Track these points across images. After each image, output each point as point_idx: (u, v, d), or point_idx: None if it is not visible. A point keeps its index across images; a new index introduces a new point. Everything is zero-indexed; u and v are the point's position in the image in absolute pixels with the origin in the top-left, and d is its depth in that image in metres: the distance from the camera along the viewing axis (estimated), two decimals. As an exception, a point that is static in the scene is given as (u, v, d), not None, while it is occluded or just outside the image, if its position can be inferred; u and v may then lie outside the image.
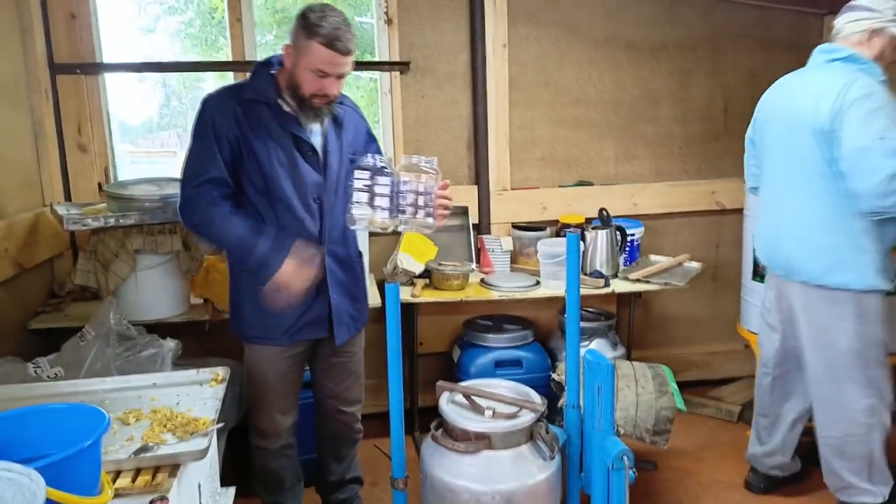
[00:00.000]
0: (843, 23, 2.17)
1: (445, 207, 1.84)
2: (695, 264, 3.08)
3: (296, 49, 1.80)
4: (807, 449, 2.49)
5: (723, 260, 3.51)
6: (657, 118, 3.38)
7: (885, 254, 2.09)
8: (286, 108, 1.87)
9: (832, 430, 2.24)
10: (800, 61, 2.31)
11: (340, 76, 1.83)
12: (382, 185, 1.78)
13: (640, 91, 3.33)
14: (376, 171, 1.78)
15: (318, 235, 1.96)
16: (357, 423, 2.27)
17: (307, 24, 1.75)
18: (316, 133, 1.93)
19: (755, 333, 2.69)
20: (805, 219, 2.16)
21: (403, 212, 1.79)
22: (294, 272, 1.84)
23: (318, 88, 1.81)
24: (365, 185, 1.77)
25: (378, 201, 1.78)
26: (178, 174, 2.65)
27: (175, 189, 2.45)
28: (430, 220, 1.81)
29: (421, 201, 1.80)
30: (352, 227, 1.82)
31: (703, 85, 3.38)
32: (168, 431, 1.46)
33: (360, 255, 2.17)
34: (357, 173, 1.79)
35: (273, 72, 1.90)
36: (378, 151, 2.11)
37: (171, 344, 2.03)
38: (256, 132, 1.85)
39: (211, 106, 1.86)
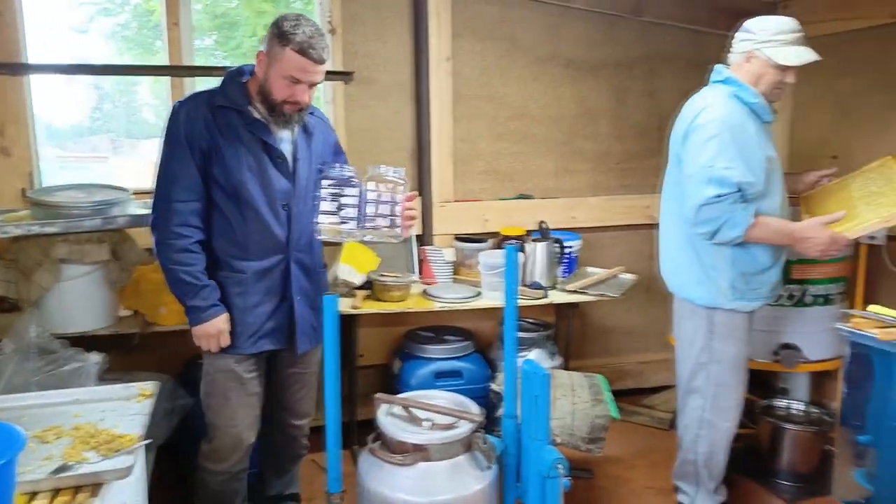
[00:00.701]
0: (733, 44, 2.20)
1: (412, 218, 1.88)
2: (629, 276, 3.18)
3: (269, 56, 1.82)
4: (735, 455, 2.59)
5: (655, 272, 3.59)
6: (596, 134, 3.48)
7: (738, 274, 2.12)
8: (256, 115, 1.89)
9: (681, 432, 2.37)
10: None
11: (312, 84, 1.86)
12: (349, 196, 1.80)
13: (579, 108, 3.42)
14: (343, 182, 1.80)
15: (285, 242, 1.96)
16: (305, 437, 2.25)
17: (281, 33, 1.78)
18: (286, 140, 1.95)
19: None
20: (669, 235, 2.30)
21: (370, 222, 1.80)
22: (203, 335, 1.90)
23: (289, 95, 1.83)
24: (332, 195, 1.79)
25: (345, 212, 1.81)
26: (109, 180, 2.58)
27: (105, 196, 2.38)
28: (397, 230, 1.83)
29: (387, 211, 1.81)
30: (319, 237, 1.84)
31: (640, 103, 3.51)
32: (91, 449, 1.40)
33: (323, 266, 2.16)
34: (324, 183, 1.80)
35: (244, 80, 1.92)
36: (345, 163, 2.10)
37: (96, 358, 1.96)
38: (227, 138, 1.87)
39: (182, 113, 1.87)
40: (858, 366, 1.87)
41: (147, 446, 2.06)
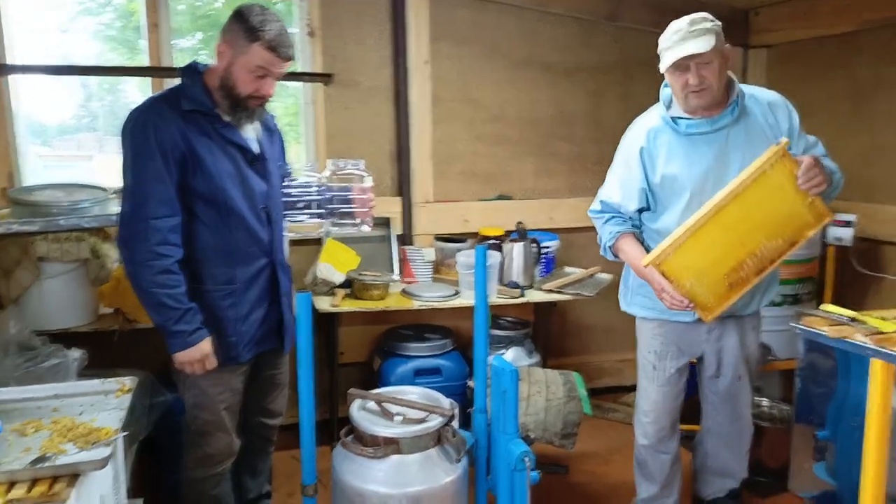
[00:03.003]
0: None
1: (372, 207, 1.89)
2: (606, 276, 3.24)
3: (233, 49, 1.76)
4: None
5: (633, 272, 3.70)
6: (572, 136, 3.54)
7: (639, 283, 2.16)
8: (225, 118, 1.83)
9: None
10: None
11: (278, 78, 1.82)
12: (311, 190, 1.81)
13: (555, 111, 3.49)
14: (306, 178, 1.82)
15: (268, 245, 1.94)
16: (274, 435, 2.26)
17: (249, 27, 1.73)
18: (252, 141, 1.90)
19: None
20: None
21: (336, 216, 1.83)
22: (188, 360, 1.82)
23: (255, 89, 1.78)
24: (296, 193, 1.80)
25: (308, 207, 1.81)
26: (92, 179, 2.60)
27: (85, 195, 2.40)
28: (357, 220, 1.87)
29: (353, 205, 1.84)
30: (287, 235, 1.84)
31: (615, 107, 3.58)
32: (69, 441, 1.44)
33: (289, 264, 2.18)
34: (287, 181, 1.81)
35: (200, 72, 1.85)
36: (286, 161, 2.14)
37: (76, 354, 1.98)
38: (202, 144, 1.79)
39: (149, 122, 1.74)
40: (813, 363, 1.93)
41: (127, 442, 2.10)
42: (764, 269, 1.89)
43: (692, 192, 2.00)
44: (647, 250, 2.08)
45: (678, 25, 1.90)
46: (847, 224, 2.96)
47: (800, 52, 3.47)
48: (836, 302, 2.19)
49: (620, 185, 2.13)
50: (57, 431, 1.47)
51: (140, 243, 1.73)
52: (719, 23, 1.93)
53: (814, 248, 3.01)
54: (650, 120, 2.10)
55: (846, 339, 1.63)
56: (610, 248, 2.18)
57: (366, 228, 1.97)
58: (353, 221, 1.90)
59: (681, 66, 1.89)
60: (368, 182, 1.91)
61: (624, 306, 2.30)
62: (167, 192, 1.75)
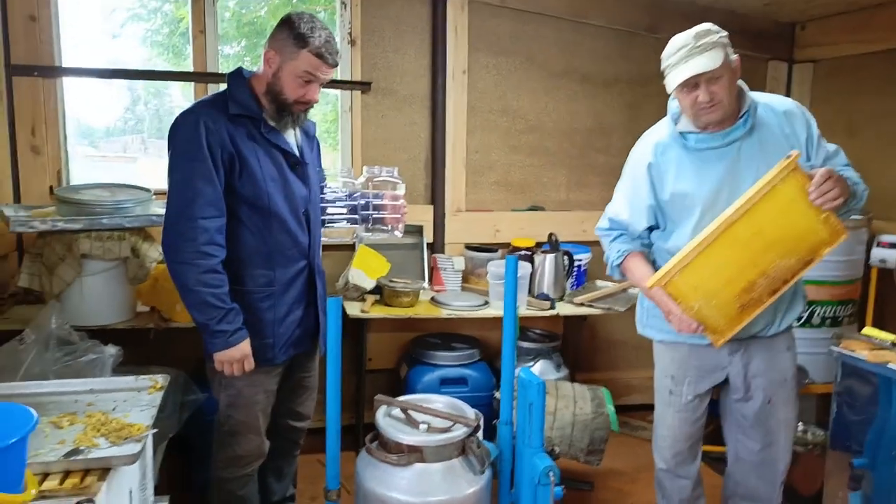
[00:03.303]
0: None
1: (405, 213, 1.90)
2: (637, 291, 3.19)
3: (282, 55, 1.80)
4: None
5: (667, 288, 3.64)
6: (608, 148, 3.51)
7: (648, 306, 2.12)
8: (271, 122, 1.87)
9: None
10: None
11: (324, 84, 1.86)
12: (349, 196, 1.83)
13: (593, 122, 3.47)
14: (343, 184, 1.84)
15: (307, 248, 1.97)
16: (301, 438, 2.27)
17: (298, 34, 1.77)
18: (294, 145, 1.95)
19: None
20: None
21: (373, 222, 1.86)
22: (228, 360, 1.85)
23: (301, 94, 1.83)
24: (331, 198, 1.83)
25: (347, 213, 1.84)
26: (134, 180, 2.69)
27: (128, 195, 2.48)
28: (388, 227, 1.88)
29: (385, 211, 1.86)
30: (324, 240, 1.86)
31: (654, 119, 3.44)
32: (101, 436, 1.47)
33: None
34: (322, 186, 1.84)
35: (246, 77, 1.89)
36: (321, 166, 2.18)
37: (112, 350, 2.02)
38: (248, 148, 1.83)
39: (200, 123, 1.78)
40: (851, 388, 1.87)
41: (158, 438, 2.15)
42: (777, 290, 1.79)
43: (703, 208, 1.92)
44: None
45: (683, 41, 1.79)
46: (892, 246, 2.86)
47: (848, 67, 3.39)
48: (878, 325, 2.11)
49: (628, 203, 2.06)
50: (91, 425, 1.51)
51: (187, 242, 1.76)
52: (725, 33, 1.83)
53: (856, 270, 2.92)
54: (658, 134, 2.01)
55: (886, 365, 1.58)
56: (617, 266, 2.11)
57: (398, 235, 1.99)
58: (385, 227, 1.92)
59: (689, 83, 1.79)
60: (401, 189, 1.93)
61: (640, 329, 2.22)
62: (215, 193, 1.78)
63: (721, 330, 1.85)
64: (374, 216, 1.96)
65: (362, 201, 1.97)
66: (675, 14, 3.33)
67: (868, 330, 1.68)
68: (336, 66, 1.85)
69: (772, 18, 3.42)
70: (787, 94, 3.51)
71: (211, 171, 1.77)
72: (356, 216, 2.00)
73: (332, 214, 2.00)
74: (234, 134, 1.81)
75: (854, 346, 1.62)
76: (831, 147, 1.96)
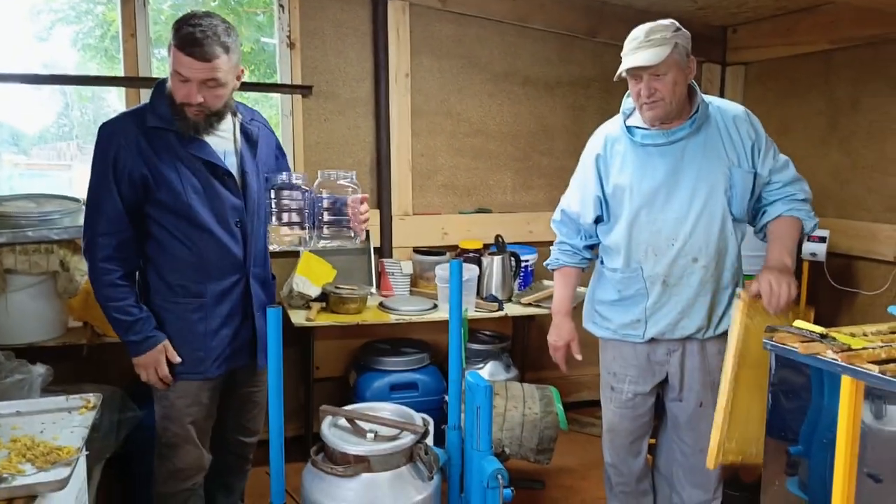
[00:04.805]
0: None
1: (365, 220, 1.84)
2: (583, 290, 3.23)
3: (170, 57, 1.74)
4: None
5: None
6: (552, 150, 3.56)
7: (595, 297, 2.18)
8: (191, 132, 1.80)
9: None
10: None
11: (206, 82, 1.72)
12: (299, 201, 1.78)
13: (536, 125, 3.50)
14: (293, 189, 1.77)
15: (242, 260, 1.92)
16: (251, 453, 2.23)
17: (174, 33, 1.70)
18: (230, 154, 1.88)
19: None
20: None
21: (326, 228, 1.81)
22: (142, 366, 1.87)
23: (183, 96, 1.73)
24: (283, 204, 1.77)
25: (297, 218, 1.78)
26: (68, 188, 2.57)
27: (56, 206, 2.37)
28: (351, 233, 1.83)
29: (341, 215, 1.81)
30: (273, 247, 1.80)
31: (596, 121, 3.49)
32: (27, 461, 1.40)
33: (273, 277, 2.14)
34: (273, 193, 1.77)
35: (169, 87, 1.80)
36: (287, 167, 2.13)
37: (40, 370, 1.94)
38: (165, 161, 1.78)
39: (111, 138, 1.77)
40: (785, 379, 1.93)
41: (93, 459, 2.06)
42: None
43: (640, 204, 1.94)
44: (604, 265, 2.10)
45: (636, 33, 1.84)
46: (822, 240, 2.99)
47: (778, 69, 3.53)
48: (809, 318, 2.20)
49: (580, 194, 2.08)
50: (15, 451, 1.43)
51: (90, 258, 1.81)
52: (686, 32, 1.86)
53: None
54: (610, 128, 2.05)
55: (817, 356, 1.64)
56: (551, 269, 2.23)
57: (359, 240, 1.93)
58: (342, 232, 1.85)
59: (635, 75, 1.83)
60: (359, 193, 1.87)
61: (584, 323, 2.25)
62: (114, 210, 1.78)
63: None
64: (328, 221, 1.88)
65: (318, 206, 1.88)
66: (613, 18, 3.40)
67: (799, 322, 1.74)
68: (206, 59, 1.68)
69: (704, 22, 3.53)
70: (721, 96, 3.63)
71: (112, 187, 1.77)
72: (305, 222, 1.91)
73: (284, 220, 1.91)
74: (147, 148, 1.77)
75: (786, 339, 1.68)
76: (782, 159, 1.99)
